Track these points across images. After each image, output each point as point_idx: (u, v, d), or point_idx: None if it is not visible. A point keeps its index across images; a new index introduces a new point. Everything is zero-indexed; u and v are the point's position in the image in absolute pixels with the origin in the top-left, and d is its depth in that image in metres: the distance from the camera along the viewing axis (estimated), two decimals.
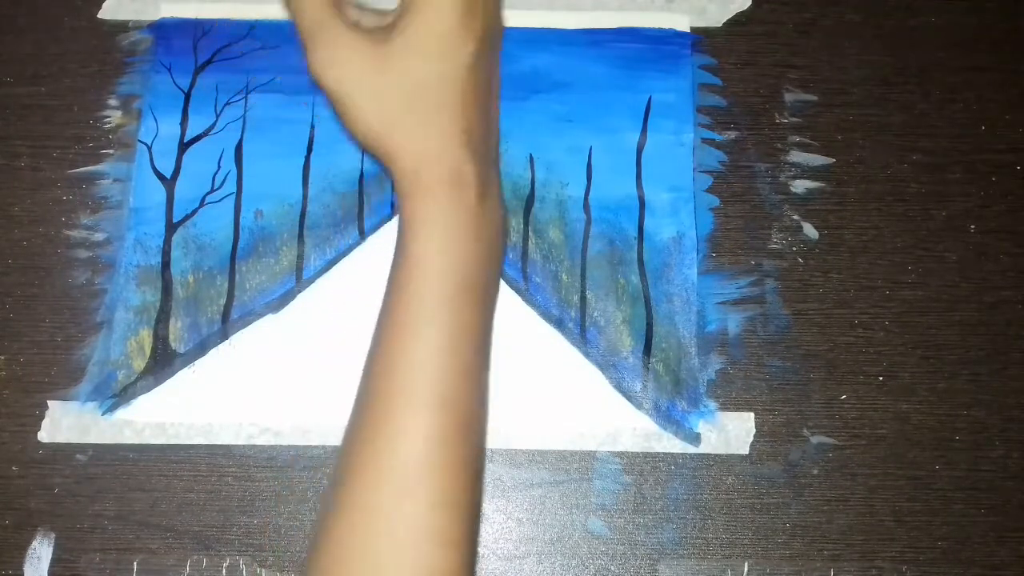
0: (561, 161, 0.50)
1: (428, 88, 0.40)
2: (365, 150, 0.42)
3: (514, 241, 0.49)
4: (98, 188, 0.50)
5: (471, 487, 0.39)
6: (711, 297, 0.49)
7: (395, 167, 0.40)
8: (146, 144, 0.50)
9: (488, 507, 0.47)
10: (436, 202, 0.39)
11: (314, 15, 0.41)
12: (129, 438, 0.47)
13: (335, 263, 0.49)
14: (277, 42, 0.51)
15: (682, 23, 0.52)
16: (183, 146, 0.50)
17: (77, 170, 0.50)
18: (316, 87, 0.41)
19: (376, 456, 0.39)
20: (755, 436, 0.48)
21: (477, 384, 0.40)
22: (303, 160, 0.50)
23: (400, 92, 0.40)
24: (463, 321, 0.39)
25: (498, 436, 0.47)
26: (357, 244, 0.49)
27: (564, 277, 0.49)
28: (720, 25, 0.53)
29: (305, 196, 0.49)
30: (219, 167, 0.50)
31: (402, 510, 0.38)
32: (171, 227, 0.49)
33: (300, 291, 0.49)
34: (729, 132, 0.51)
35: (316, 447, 0.47)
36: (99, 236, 0.49)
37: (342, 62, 0.40)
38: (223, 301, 0.48)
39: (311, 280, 0.49)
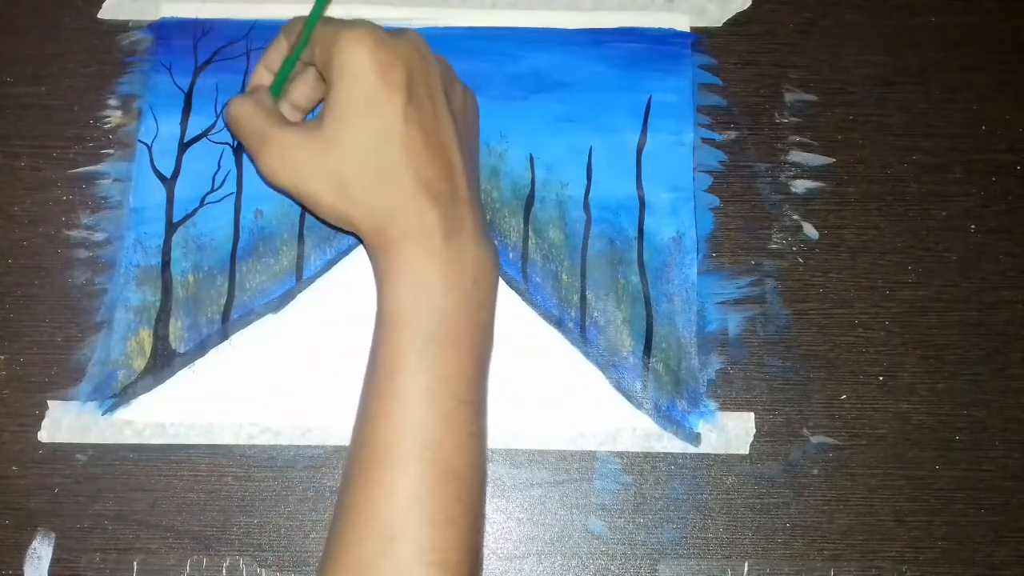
0: (561, 161, 0.50)
1: (369, 151, 0.41)
2: (337, 228, 0.43)
3: (514, 241, 0.49)
4: (98, 188, 0.50)
5: (459, 544, 0.38)
6: (711, 297, 0.49)
7: (360, 231, 0.42)
8: (146, 144, 0.50)
9: (488, 507, 0.46)
10: (401, 255, 0.40)
11: (252, 128, 0.43)
12: (129, 438, 0.47)
13: (335, 263, 0.49)
14: None
15: (682, 23, 0.52)
16: (183, 146, 0.50)
17: (77, 170, 0.50)
18: (274, 189, 0.43)
19: (357, 510, 0.39)
20: (755, 436, 0.48)
21: (464, 436, 0.39)
22: None
23: (348, 165, 0.41)
24: (441, 371, 0.39)
25: (498, 436, 0.47)
26: (357, 244, 0.49)
27: (564, 277, 0.49)
28: (720, 25, 0.53)
29: None
30: (219, 167, 0.50)
31: (385, 566, 0.37)
32: (171, 227, 0.49)
33: (300, 291, 0.49)
34: (729, 132, 0.51)
35: (316, 447, 0.47)
36: (99, 236, 0.49)
37: (290, 163, 0.42)
38: (223, 301, 0.48)
39: (311, 280, 0.49)
